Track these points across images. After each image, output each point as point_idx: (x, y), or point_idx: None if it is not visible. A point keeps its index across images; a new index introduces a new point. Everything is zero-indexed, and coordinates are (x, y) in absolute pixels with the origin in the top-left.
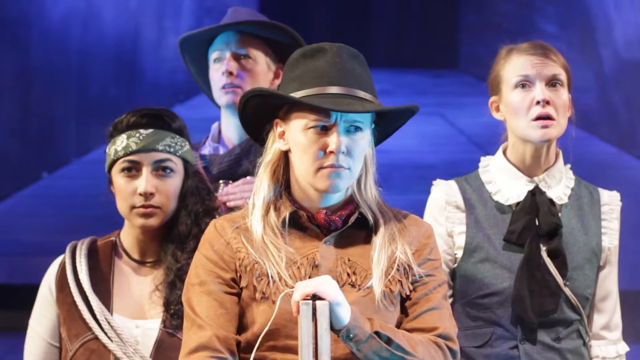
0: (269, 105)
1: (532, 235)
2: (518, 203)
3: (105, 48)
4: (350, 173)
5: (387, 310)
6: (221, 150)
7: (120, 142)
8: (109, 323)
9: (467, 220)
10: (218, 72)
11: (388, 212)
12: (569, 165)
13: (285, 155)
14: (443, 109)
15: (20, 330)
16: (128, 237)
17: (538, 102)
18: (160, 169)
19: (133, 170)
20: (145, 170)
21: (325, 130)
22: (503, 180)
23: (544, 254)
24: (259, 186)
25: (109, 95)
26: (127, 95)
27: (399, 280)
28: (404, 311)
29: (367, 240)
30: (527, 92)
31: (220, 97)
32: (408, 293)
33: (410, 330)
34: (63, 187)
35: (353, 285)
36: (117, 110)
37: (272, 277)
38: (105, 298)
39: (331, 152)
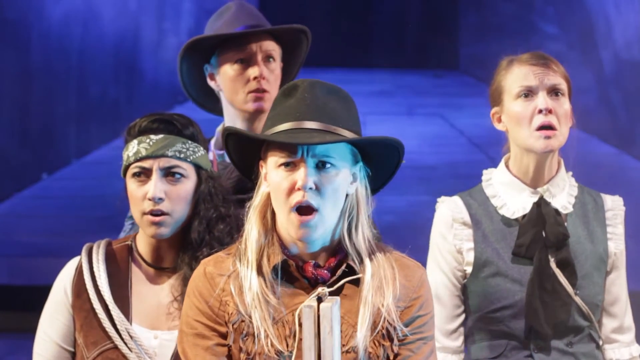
0: (252, 146)
1: (541, 247)
2: (524, 216)
3: (105, 49)
4: (320, 215)
5: None
6: (227, 158)
7: (132, 148)
8: (128, 333)
9: (474, 236)
10: (243, 74)
11: (380, 258)
12: (570, 173)
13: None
14: (443, 110)
15: (21, 331)
16: (144, 242)
17: (540, 111)
18: (170, 175)
19: (143, 175)
20: (155, 176)
21: (294, 167)
22: (507, 194)
23: (553, 265)
24: (250, 232)
25: (109, 96)
26: (127, 96)
27: (382, 345)
28: None
29: (356, 291)
30: (529, 101)
31: (247, 102)
32: (392, 358)
33: None
34: (63, 188)
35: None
36: (117, 111)
37: (257, 336)
38: (125, 306)
39: (298, 188)
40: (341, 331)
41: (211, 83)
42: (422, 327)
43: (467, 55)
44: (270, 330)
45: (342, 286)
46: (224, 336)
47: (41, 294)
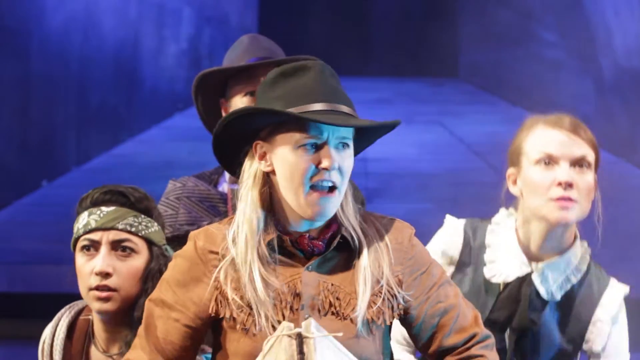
0: (248, 127)
1: (511, 327)
2: (506, 285)
3: (104, 56)
4: (339, 193)
5: (366, 339)
6: None
7: (82, 220)
8: None
9: (452, 278)
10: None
11: (370, 227)
12: (589, 252)
13: (268, 177)
14: (443, 118)
15: (20, 338)
16: (97, 322)
17: (560, 184)
18: (120, 249)
19: (92, 249)
20: (104, 249)
21: (316, 148)
22: (502, 250)
23: (510, 348)
24: (244, 212)
25: (109, 103)
26: (127, 103)
27: (382, 311)
28: (411, 322)
29: (352, 261)
30: (549, 170)
31: None
32: (388, 323)
33: (450, 349)
34: (63, 195)
35: (337, 314)
36: (117, 118)
37: (252, 308)
38: None
39: (325, 168)
40: (339, 299)
41: None
42: (432, 278)
43: (467, 63)
44: (264, 305)
45: (337, 256)
46: (190, 318)
47: (40, 301)
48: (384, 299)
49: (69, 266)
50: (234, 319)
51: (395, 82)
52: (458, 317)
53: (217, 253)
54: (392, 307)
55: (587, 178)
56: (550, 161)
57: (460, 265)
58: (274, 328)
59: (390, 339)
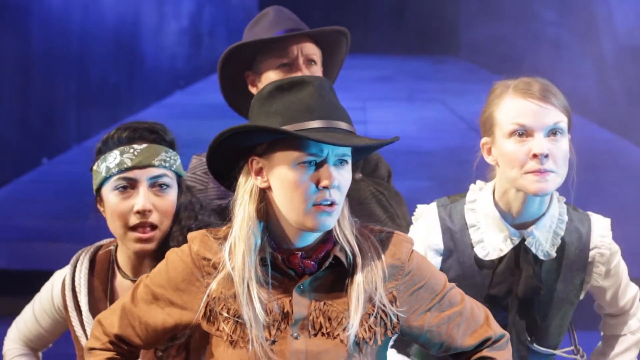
0: (245, 143)
1: (512, 298)
2: (500, 259)
3: (105, 34)
4: (338, 209)
5: (357, 358)
6: None
7: (113, 159)
8: None
9: (442, 267)
10: (287, 76)
11: (366, 242)
12: (563, 200)
13: (264, 193)
14: (443, 96)
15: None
16: (122, 254)
17: (535, 156)
18: (157, 185)
19: (129, 187)
20: (142, 187)
21: (315, 165)
22: (487, 228)
23: (516, 315)
24: (243, 226)
25: (109, 81)
26: (127, 80)
27: (373, 330)
28: (416, 333)
29: (345, 278)
30: (523, 142)
31: None
32: (380, 343)
33: (462, 353)
34: (63, 172)
35: (327, 334)
36: (117, 95)
37: (240, 322)
38: None
39: (325, 187)
40: (331, 319)
41: (252, 89)
42: (432, 290)
43: (468, 41)
44: (254, 322)
45: (329, 274)
46: (166, 320)
47: (41, 278)
48: (376, 317)
49: (69, 243)
50: (222, 330)
51: (396, 59)
52: (466, 321)
53: (210, 260)
54: (385, 326)
55: (562, 145)
56: (523, 133)
57: (446, 252)
58: (262, 345)
59: (386, 355)
